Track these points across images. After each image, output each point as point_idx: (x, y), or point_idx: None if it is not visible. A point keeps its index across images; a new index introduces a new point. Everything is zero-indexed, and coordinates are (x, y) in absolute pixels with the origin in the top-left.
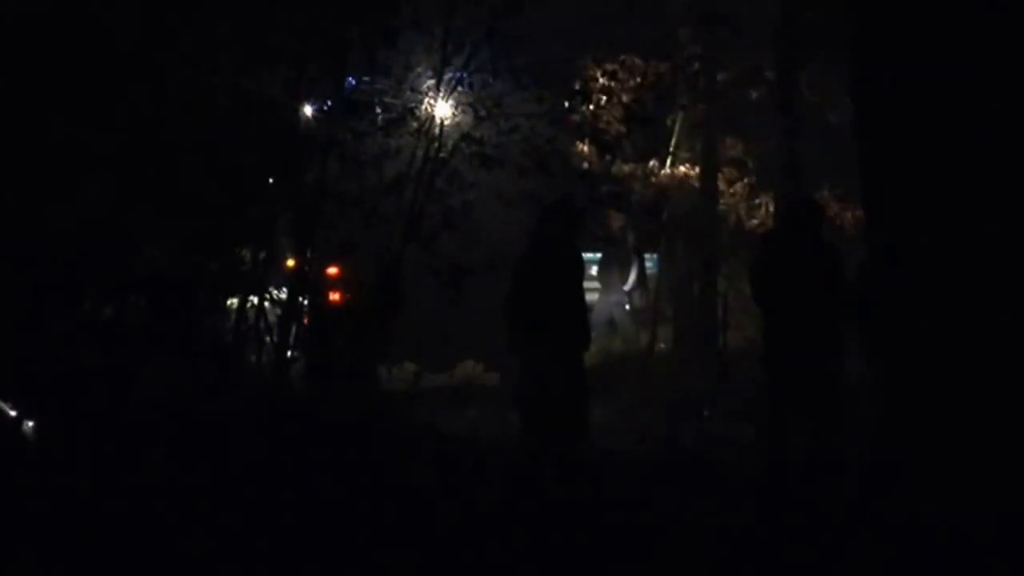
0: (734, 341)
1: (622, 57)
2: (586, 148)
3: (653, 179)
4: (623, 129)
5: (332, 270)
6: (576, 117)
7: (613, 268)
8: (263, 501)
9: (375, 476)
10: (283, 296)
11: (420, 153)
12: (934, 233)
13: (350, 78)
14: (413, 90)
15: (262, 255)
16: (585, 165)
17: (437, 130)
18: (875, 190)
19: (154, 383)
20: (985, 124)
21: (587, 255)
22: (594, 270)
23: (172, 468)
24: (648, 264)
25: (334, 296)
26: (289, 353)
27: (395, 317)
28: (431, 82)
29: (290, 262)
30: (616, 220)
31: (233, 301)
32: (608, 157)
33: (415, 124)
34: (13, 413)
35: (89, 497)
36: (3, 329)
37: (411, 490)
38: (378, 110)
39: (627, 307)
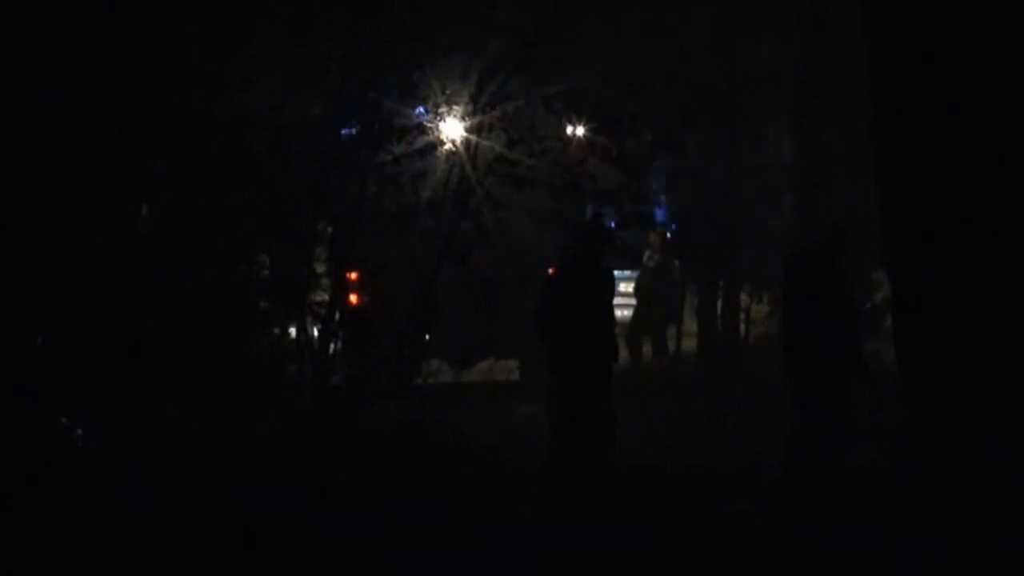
0: (755, 352)
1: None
2: (614, 170)
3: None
4: (649, 152)
5: (351, 274)
6: (604, 140)
7: (651, 284)
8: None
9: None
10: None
11: (455, 174)
12: (951, 236)
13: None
14: (449, 115)
15: (303, 271)
16: (613, 186)
17: (472, 153)
18: (892, 196)
19: (198, 394)
20: (1002, 130)
21: (623, 272)
22: (623, 286)
23: (216, 477)
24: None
25: (352, 298)
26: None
27: (429, 328)
28: (467, 107)
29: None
30: (654, 238)
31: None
32: (635, 179)
33: (450, 147)
34: (64, 420)
35: (137, 504)
36: (56, 341)
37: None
38: (415, 133)
39: (667, 321)
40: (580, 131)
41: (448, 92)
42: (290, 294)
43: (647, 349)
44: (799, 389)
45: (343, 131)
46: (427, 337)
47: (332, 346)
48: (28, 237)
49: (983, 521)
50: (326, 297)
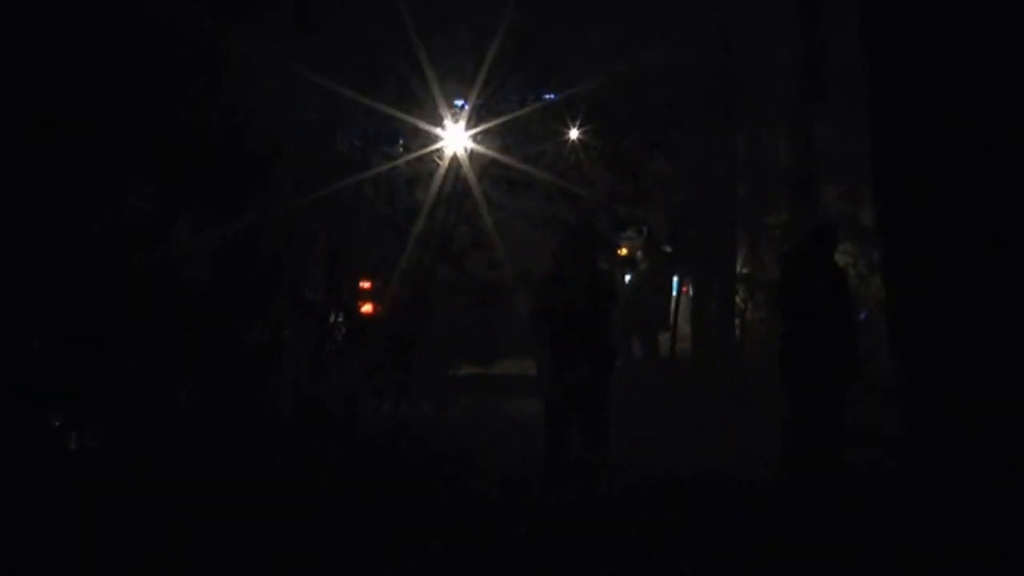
0: (752, 356)
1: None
2: (609, 173)
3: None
4: (645, 155)
5: (365, 283)
6: (599, 144)
7: (644, 289)
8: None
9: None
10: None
11: (451, 177)
12: (950, 234)
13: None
14: (444, 117)
15: (299, 271)
16: (608, 190)
17: (466, 156)
18: (890, 194)
19: (193, 394)
20: (1004, 128)
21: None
22: None
23: (211, 478)
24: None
25: (366, 308)
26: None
27: (424, 331)
28: (461, 110)
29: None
30: (646, 239)
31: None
32: (630, 182)
33: (445, 150)
34: (57, 423)
35: (132, 504)
36: (48, 339)
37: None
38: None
39: (656, 323)
40: (575, 133)
41: (444, 94)
42: (285, 294)
43: (636, 351)
44: (796, 388)
45: (339, 132)
46: (420, 335)
47: (328, 346)
48: (19, 233)
49: (983, 520)
50: (319, 297)
